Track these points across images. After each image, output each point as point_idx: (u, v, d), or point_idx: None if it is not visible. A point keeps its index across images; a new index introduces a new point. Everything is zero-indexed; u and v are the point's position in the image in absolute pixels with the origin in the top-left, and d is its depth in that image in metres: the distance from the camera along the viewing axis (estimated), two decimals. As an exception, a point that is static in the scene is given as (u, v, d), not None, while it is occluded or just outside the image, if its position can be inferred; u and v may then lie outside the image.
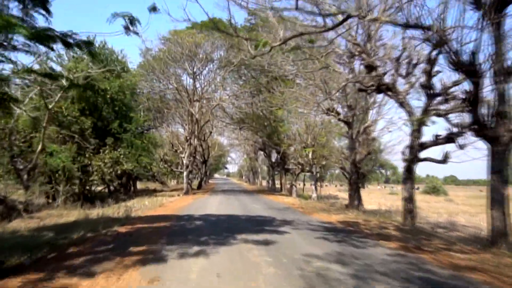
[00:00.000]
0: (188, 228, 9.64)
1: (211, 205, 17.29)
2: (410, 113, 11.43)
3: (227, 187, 48.98)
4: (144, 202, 18.28)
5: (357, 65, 16.21)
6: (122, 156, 19.36)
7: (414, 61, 11.56)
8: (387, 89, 11.49)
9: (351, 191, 18.12)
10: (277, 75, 32.50)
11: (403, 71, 11.73)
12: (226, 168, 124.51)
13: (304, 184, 40.23)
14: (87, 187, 20.16)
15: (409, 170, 11.58)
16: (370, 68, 11.62)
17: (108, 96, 19.77)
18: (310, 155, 25.13)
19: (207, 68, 27.27)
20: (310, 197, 25.09)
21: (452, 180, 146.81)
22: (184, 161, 26.93)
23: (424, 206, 27.94)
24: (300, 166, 25.99)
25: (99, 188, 29.47)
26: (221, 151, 67.89)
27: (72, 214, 12.42)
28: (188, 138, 26.70)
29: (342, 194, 46.72)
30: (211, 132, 40.42)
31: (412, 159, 11.32)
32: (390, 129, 17.33)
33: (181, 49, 24.41)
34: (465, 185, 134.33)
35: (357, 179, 17.71)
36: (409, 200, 11.51)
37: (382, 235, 9.19)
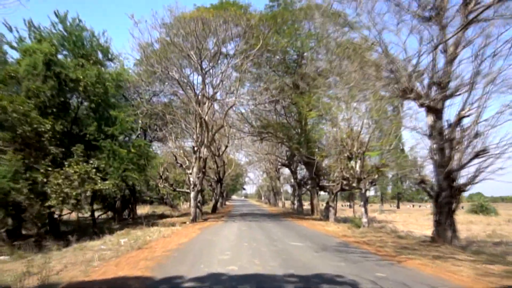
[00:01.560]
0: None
1: (224, 243, 11.07)
2: None
3: (246, 209, 42.65)
4: (121, 238, 12.32)
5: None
6: (94, 170, 13.54)
7: None
8: None
9: (439, 216, 11.69)
10: (308, 71, 26.81)
11: None
12: (244, 189, 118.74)
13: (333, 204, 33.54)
14: (54, 215, 14.40)
15: None
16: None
17: (80, 88, 14.23)
18: (357, 167, 18.89)
19: (219, 62, 21.67)
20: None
21: (478, 198, 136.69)
22: (191, 179, 21.02)
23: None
24: (343, 182, 19.68)
25: (86, 215, 23.87)
26: (239, 169, 61.97)
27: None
28: (196, 149, 20.88)
29: (382, 216, 39.67)
30: (226, 146, 34.62)
31: None
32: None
33: (186, 33, 18.93)
34: (493, 201, 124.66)
35: (450, 197, 11.31)
36: None
37: None
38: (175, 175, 29.09)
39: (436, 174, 11.66)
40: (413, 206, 73.24)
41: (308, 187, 35.28)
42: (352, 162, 19.12)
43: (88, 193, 13.57)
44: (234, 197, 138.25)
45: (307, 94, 24.20)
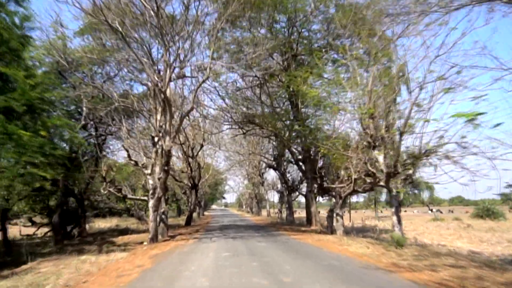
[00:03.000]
0: None
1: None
2: None
3: (227, 220, 36.45)
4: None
5: None
6: None
7: None
8: None
9: None
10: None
11: None
12: (224, 198, 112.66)
13: (342, 212, 27.85)
14: None
15: None
16: None
17: None
18: (380, 158, 13.41)
19: (187, 24, 15.82)
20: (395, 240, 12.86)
21: (459, 201, 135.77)
22: (150, 181, 14.97)
23: None
24: (366, 180, 14.17)
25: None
26: (218, 176, 55.82)
27: None
28: (157, 139, 14.91)
29: (383, 223, 34.34)
30: (202, 145, 28.64)
31: None
32: None
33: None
34: (474, 205, 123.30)
35: None
36: None
37: None
38: (137, 179, 22.80)
39: None
40: (405, 211, 69.02)
41: (301, 191, 29.65)
42: (376, 152, 13.63)
43: None
44: (214, 206, 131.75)
45: (303, 69, 18.67)
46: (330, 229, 21.00)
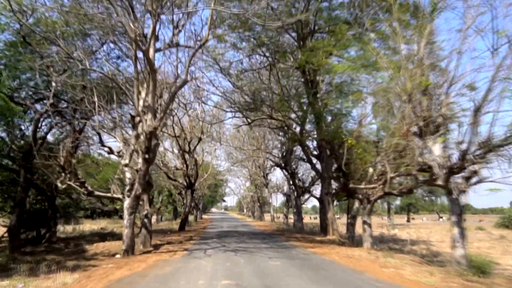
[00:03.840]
0: None
1: None
2: None
3: (227, 225, 32.59)
4: None
5: None
6: None
7: None
8: None
9: None
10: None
11: None
12: (224, 200, 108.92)
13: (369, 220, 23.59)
14: None
15: None
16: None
17: None
18: (436, 148, 9.72)
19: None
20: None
21: (467, 209, 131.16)
22: (127, 174, 11.30)
23: None
24: (418, 179, 10.46)
25: None
26: (218, 177, 52.07)
27: None
28: (138, 119, 11.24)
29: (402, 232, 30.33)
30: (200, 139, 24.93)
31: None
32: None
33: None
34: (483, 213, 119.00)
35: None
36: None
37: None
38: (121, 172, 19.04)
39: None
40: (413, 219, 64.85)
41: (314, 194, 25.91)
42: (431, 142, 9.92)
43: None
44: (214, 209, 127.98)
45: (326, 42, 15.01)
46: (351, 240, 17.29)
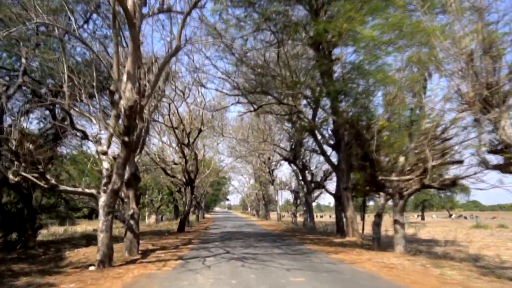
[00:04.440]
0: None
1: None
2: None
3: (231, 225, 30.07)
4: None
5: None
6: None
7: None
8: None
9: None
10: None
11: None
12: (227, 199, 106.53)
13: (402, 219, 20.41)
14: None
15: None
16: None
17: None
18: (508, 124, 7.18)
19: None
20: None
21: (475, 206, 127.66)
22: (104, 164, 8.83)
23: None
24: (488, 165, 7.88)
25: None
26: (221, 175, 49.65)
27: None
28: (117, 96, 8.75)
29: (422, 231, 27.67)
30: (200, 130, 22.44)
31: None
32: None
33: None
34: (492, 210, 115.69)
35: None
36: None
37: None
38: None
39: None
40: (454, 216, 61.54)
41: (325, 188, 23.41)
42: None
43: None
44: (217, 208, 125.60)
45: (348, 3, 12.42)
46: (377, 242, 14.77)
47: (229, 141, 32.88)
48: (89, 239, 19.86)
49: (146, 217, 39.64)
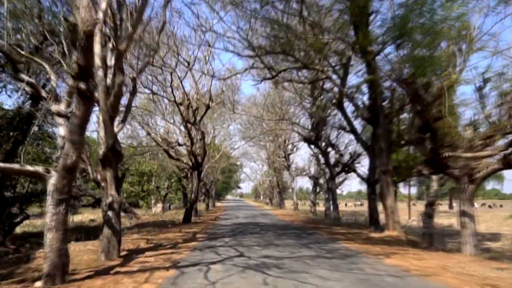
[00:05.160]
0: None
1: None
2: None
3: (243, 215, 27.11)
4: None
5: None
6: None
7: None
8: None
9: None
10: None
11: None
12: (239, 187, 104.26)
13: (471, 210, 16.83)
14: None
15: None
16: None
17: None
18: None
19: None
20: None
21: (495, 194, 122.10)
22: (61, 130, 5.81)
23: None
24: None
25: None
26: (232, 161, 46.71)
27: None
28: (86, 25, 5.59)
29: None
30: (208, 107, 19.36)
31: None
32: None
33: None
34: (510, 199, 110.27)
35: None
36: None
37: None
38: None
39: None
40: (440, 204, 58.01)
41: (356, 172, 20.28)
42: None
43: None
44: (228, 197, 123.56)
45: None
46: (429, 238, 11.68)
47: (241, 123, 29.80)
48: (80, 232, 17.20)
49: (153, 206, 37.11)
